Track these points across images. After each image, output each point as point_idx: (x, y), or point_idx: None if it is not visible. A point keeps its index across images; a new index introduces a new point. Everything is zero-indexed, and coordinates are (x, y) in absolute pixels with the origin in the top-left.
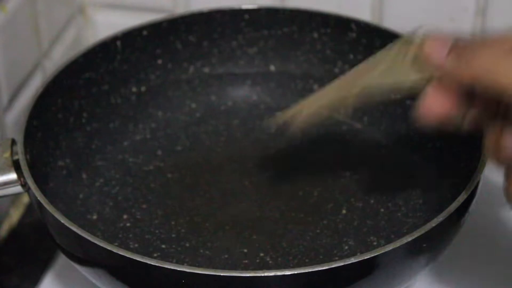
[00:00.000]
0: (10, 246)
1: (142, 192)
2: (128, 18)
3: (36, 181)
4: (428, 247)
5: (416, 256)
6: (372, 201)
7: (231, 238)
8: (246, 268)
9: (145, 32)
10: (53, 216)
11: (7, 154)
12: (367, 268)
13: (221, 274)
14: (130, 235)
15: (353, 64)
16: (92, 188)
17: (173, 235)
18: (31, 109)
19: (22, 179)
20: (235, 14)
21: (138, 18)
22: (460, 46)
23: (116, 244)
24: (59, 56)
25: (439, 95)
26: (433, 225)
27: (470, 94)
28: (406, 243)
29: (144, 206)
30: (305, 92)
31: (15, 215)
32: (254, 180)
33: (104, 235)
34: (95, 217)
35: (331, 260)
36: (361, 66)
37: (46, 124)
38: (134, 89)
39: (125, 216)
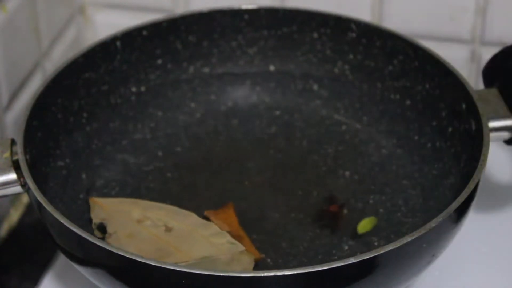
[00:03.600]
0: (10, 246)
1: (142, 192)
2: (128, 18)
3: (36, 181)
4: (428, 247)
5: (416, 256)
6: (372, 201)
7: None
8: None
9: (145, 32)
10: (53, 216)
11: (7, 154)
12: (367, 268)
13: (221, 274)
14: None
15: (353, 64)
16: (92, 188)
17: None
18: (31, 109)
19: (22, 179)
20: (235, 14)
21: (138, 18)
22: None
23: None
24: (59, 56)
25: None
26: (433, 225)
27: None
28: (406, 243)
29: None
30: (305, 92)
31: (15, 215)
32: (254, 180)
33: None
34: None
35: (331, 260)
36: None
37: (46, 124)
38: (134, 89)
39: None
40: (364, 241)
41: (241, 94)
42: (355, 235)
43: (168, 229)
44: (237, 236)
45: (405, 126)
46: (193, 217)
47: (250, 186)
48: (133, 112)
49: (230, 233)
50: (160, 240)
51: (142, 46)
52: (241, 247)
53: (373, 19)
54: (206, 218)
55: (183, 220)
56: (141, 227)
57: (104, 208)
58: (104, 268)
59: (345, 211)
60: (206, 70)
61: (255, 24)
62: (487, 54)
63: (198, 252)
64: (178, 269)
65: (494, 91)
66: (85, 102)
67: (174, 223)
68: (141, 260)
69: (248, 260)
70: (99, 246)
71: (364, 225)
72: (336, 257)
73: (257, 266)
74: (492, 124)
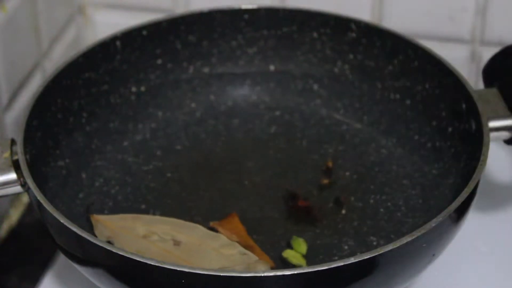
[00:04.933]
0: (10, 246)
1: (142, 192)
2: (128, 18)
3: (36, 181)
4: (428, 247)
5: (416, 256)
6: (372, 201)
7: None
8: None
9: (145, 32)
10: (53, 216)
11: (7, 154)
12: (367, 268)
13: (221, 274)
14: None
15: (353, 64)
16: (92, 188)
17: None
18: (30, 109)
19: (21, 179)
20: (235, 14)
21: (138, 18)
22: None
23: None
24: (59, 56)
25: None
26: (433, 225)
27: None
28: (406, 243)
29: (143, 206)
30: (305, 92)
31: (14, 215)
32: (254, 180)
33: None
34: None
35: (331, 260)
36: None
37: (45, 124)
38: (133, 89)
39: None
40: (364, 241)
41: (241, 94)
42: (355, 235)
43: (177, 243)
44: (247, 246)
45: (405, 126)
46: (199, 229)
47: (250, 186)
48: (133, 112)
49: (239, 243)
50: (170, 255)
51: (142, 46)
52: (253, 257)
53: (373, 19)
54: (212, 229)
55: (190, 233)
56: (148, 242)
57: (107, 225)
58: (104, 268)
59: (343, 211)
60: (206, 70)
61: (255, 24)
62: (487, 54)
63: (210, 265)
64: (178, 269)
65: (494, 91)
66: (85, 102)
67: (182, 237)
68: (141, 260)
69: (263, 269)
70: (99, 246)
71: (295, 241)
72: (336, 257)
73: None
74: (492, 124)
